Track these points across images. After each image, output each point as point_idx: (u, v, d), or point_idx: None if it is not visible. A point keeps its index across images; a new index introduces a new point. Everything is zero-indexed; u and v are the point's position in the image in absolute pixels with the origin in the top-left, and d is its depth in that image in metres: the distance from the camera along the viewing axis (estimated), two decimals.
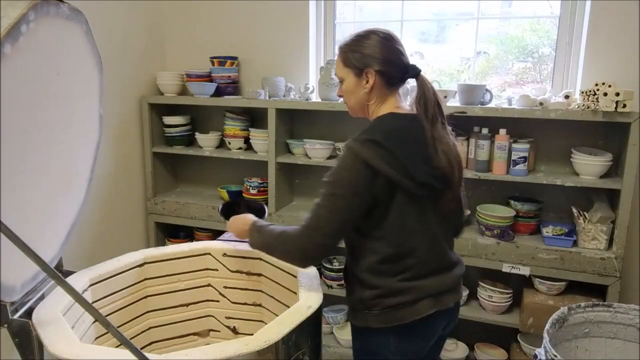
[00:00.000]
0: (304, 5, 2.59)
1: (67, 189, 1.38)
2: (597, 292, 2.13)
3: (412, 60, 1.38)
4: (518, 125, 2.24)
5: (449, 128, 1.36)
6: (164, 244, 2.89)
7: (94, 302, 1.45)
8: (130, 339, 1.53)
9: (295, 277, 1.51)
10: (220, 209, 1.74)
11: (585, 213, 2.12)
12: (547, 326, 1.57)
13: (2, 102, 0.95)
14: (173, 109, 2.87)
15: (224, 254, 1.73)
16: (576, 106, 2.05)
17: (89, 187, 1.53)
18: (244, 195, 2.69)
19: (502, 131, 2.17)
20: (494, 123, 2.19)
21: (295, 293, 1.46)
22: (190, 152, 2.75)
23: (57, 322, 1.20)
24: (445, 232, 1.39)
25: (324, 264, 2.56)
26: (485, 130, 2.22)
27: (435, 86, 2.30)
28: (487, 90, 2.24)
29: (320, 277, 2.13)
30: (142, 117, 2.75)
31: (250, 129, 2.63)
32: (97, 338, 1.45)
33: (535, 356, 1.54)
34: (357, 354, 1.43)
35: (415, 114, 1.33)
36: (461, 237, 2.21)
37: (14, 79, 0.99)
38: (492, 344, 2.42)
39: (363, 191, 1.23)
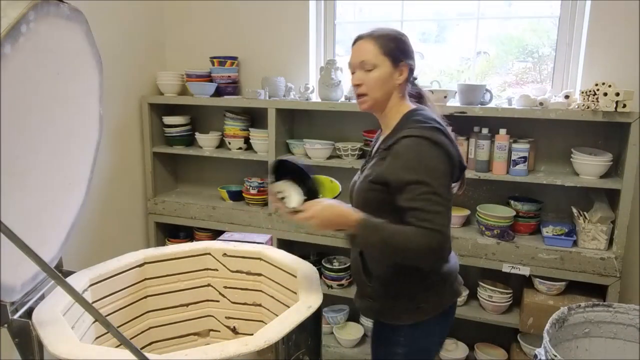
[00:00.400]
0: (304, 5, 2.59)
1: (67, 189, 1.38)
2: (597, 292, 2.13)
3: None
4: (518, 125, 2.24)
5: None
6: (164, 244, 2.89)
7: (94, 302, 1.45)
8: (130, 339, 1.53)
9: (295, 277, 1.51)
10: (273, 166, 1.39)
11: (585, 213, 2.12)
12: (547, 326, 1.57)
13: (2, 102, 0.95)
14: (173, 109, 2.87)
15: (224, 254, 1.73)
16: (576, 106, 2.05)
17: (89, 187, 1.53)
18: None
19: (502, 131, 2.17)
20: (494, 123, 2.19)
21: (295, 293, 1.46)
22: (190, 152, 2.75)
23: (57, 322, 1.20)
24: None
25: (324, 264, 2.56)
26: (485, 130, 2.22)
27: (435, 86, 2.32)
28: (487, 90, 2.24)
29: (320, 277, 2.12)
30: (142, 117, 2.75)
31: (250, 129, 2.63)
32: (97, 338, 1.45)
33: (535, 356, 1.54)
34: (403, 358, 1.40)
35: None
36: (461, 237, 2.22)
37: (14, 79, 0.99)
38: (492, 344, 2.42)
39: (451, 176, 1.30)
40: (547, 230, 2.20)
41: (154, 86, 2.81)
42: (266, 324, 1.26)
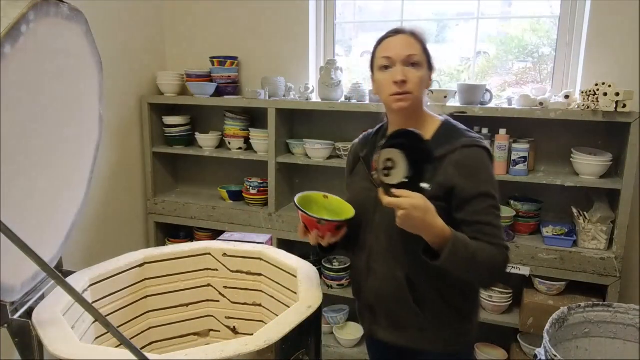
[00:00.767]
0: (304, 5, 2.59)
1: (67, 189, 1.38)
2: (597, 292, 2.13)
3: None
4: (518, 125, 2.24)
5: None
6: (164, 244, 2.89)
7: (94, 302, 1.45)
8: (130, 339, 1.53)
9: (295, 277, 1.51)
10: (397, 132, 1.16)
11: (585, 213, 2.12)
12: (547, 326, 1.57)
13: (1, 102, 0.95)
14: (173, 109, 2.87)
15: (224, 254, 1.73)
16: (576, 106, 2.05)
17: (89, 187, 1.53)
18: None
19: (502, 131, 2.17)
20: (494, 123, 2.19)
21: (295, 293, 1.46)
22: (190, 152, 2.75)
23: (57, 322, 1.20)
24: None
25: (324, 264, 2.56)
26: (485, 130, 2.22)
27: (435, 86, 2.32)
28: (487, 90, 2.24)
29: (320, 277, 2.12)
30: (142, 117, 2.75)
31: (250, 129, 2.63)
32: (97, 338, 1.45)
33: (535, 356, 1.54)
34: None
35: None
36: None
37: (14, 79, 0.99)
38: (492, 344, 2.42)
39: None
40: (547, 230, 2.20)
41: (154, 86, 2.81)
42: (266, 324, 1.26)
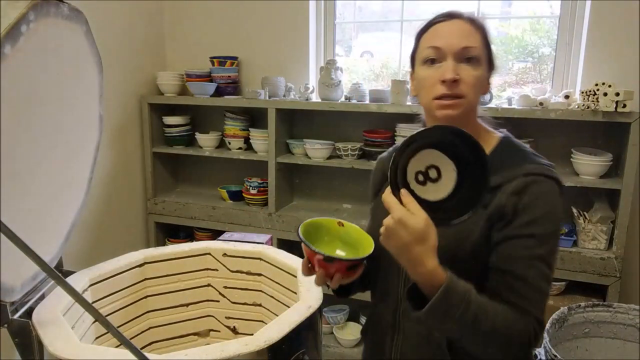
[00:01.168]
0: (304, 5, 2.59)
1: (67, 189, 1.38)
2: (597, 292, 2.13)
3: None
4: (518, 125, 2.24)
5: None
6: (164, 244, 2.89)
7: (94, 302, 1.45)
8: (130, 339, 1.53)
9: (295, 277, 1.51)
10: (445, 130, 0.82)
11: (585, 213, 2.12)
12: (547, 326, 1.57)
13: (1, 102, 0.95)
14: (173, 109, 2.87)
15: (224, 254, 1.73)
16: (576, 106, 2.05)
17: (89, 187, 1.53)
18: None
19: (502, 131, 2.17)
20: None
21: (295, 293, 1.46)
22: (190, 152, 2.75)
23: (57, 322, 1.20)
24: None
25: None
26: None
27: None
28: None
29: None
30: (142, 117, 2.75)
31: (250, 129, 2.63)
32: (97, 338, 1.45)
33: (536, 356, 1.54)
34: None
35: None
36: None
37: (13, 79, 0.99)
38: None
39: None
40: None
41: (154, 86, 2.81)
42: (266, 324, 1.26)
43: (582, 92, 2.04)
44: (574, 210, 2.16)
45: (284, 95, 2.60)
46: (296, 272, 1.52)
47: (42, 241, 1.30)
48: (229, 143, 2.67)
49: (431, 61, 0.95)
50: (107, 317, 1.37)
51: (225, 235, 1.85)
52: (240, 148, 2.66)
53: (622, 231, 1.99)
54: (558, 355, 1.39)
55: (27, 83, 1.06)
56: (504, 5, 2.52)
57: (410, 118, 2.14)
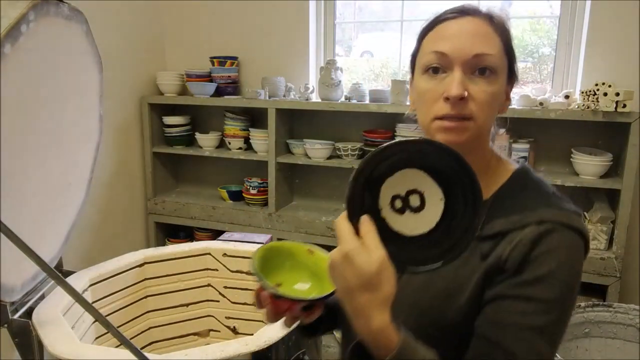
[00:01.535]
0: (304, 5, 2.59)
1: (67, 189, 1.38)
2: (597, 292, 2.13)
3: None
4: (518, 125, 2.24)
5: None
6: (164, 244, 2.89)
7: (94, 302, 1.45)
8: (130, 339, 1.53)
9: None
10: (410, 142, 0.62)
11: (585, 213, 2.12)
12: None
13: (1, 102, 0.95)
14: (173, 109, 2.87)
15: (224, 254, 1.73)
16: (576, 106, 2.05)
17: (89, 187, 1.53)
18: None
19: (502, 131, 2.16)
20: None
21: None
22: (190, 152, 2.75)
23: (57, 322, 1.20)
24: None
25: None
26: None
27: None
28: None
29: None
30: (142, 117, 2.75)
31: (250, 129, 2.63)
32: (97, 338, 1.46)
33: None
34: None
35: None
36: None
37: (14, 79, 0.99)
38: None
39: None
40: None
41: (154, 86, 2.81)
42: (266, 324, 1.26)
43: (582, 92, 2.04)
44: None
45: (284, 95, 2.60)
46: None
47: (42, 241, 1.30)
48: (229, 143, 2.67)
49: (434, 70, 0.74)
50: (107, 317, 1.37)
51: (225, 235, 1.86)
52: (240, 148, 2.66)
53: (622, 231, 1.99)
54: (558, 355, 1.39)
55: (27, 83, 1.06)
56: (504, 5, 2.52)
57: (410, 118, 2.14)
